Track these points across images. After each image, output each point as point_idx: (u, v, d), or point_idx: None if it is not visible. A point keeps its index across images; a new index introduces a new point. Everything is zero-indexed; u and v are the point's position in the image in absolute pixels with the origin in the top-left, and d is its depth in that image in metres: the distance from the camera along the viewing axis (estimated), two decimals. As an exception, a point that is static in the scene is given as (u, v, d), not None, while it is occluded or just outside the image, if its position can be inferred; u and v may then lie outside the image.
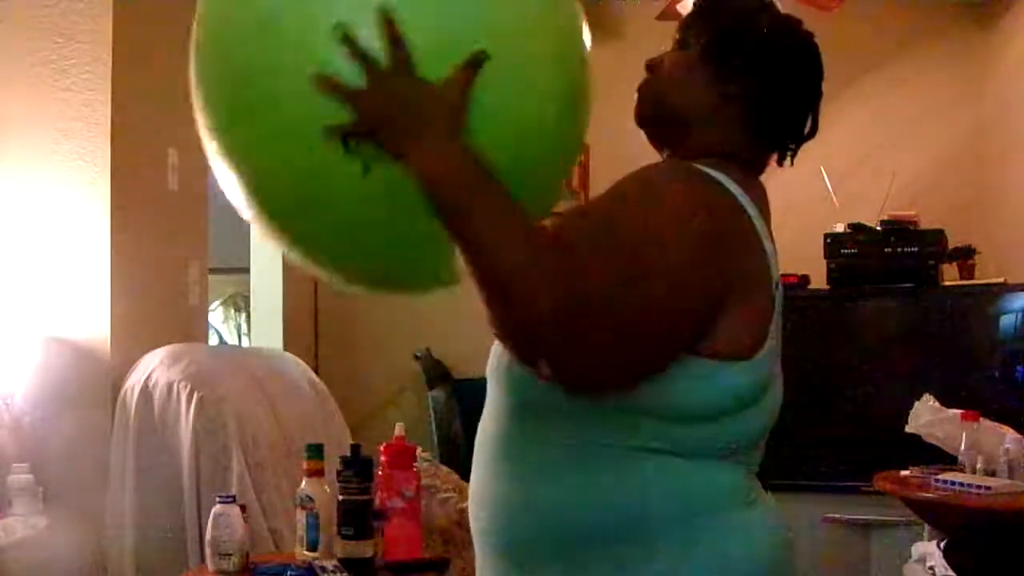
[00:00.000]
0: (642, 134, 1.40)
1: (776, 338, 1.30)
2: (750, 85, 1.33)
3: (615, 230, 1.17)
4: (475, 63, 1.11)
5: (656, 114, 1.38)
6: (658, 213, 1.18)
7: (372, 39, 1.09)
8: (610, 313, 1.11)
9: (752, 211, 1.26)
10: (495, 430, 1.31)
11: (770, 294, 1.27)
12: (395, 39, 1.10)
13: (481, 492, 1.31)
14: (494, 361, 1.32)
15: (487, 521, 1.30)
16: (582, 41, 1.28)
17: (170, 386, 2.65)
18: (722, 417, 1.24)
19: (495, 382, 1.32)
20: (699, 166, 1.27)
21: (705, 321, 1.19)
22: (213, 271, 3.48)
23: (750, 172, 1.35)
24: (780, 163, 1.40)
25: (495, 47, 1.12)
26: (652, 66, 1.39)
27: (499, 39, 1.13)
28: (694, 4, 1.41)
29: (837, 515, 4.03)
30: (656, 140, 1.40)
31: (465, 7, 1.15)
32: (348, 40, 1.10)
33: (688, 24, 1.39)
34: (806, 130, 1.39)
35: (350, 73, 1.10)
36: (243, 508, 2.20)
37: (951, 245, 4.30)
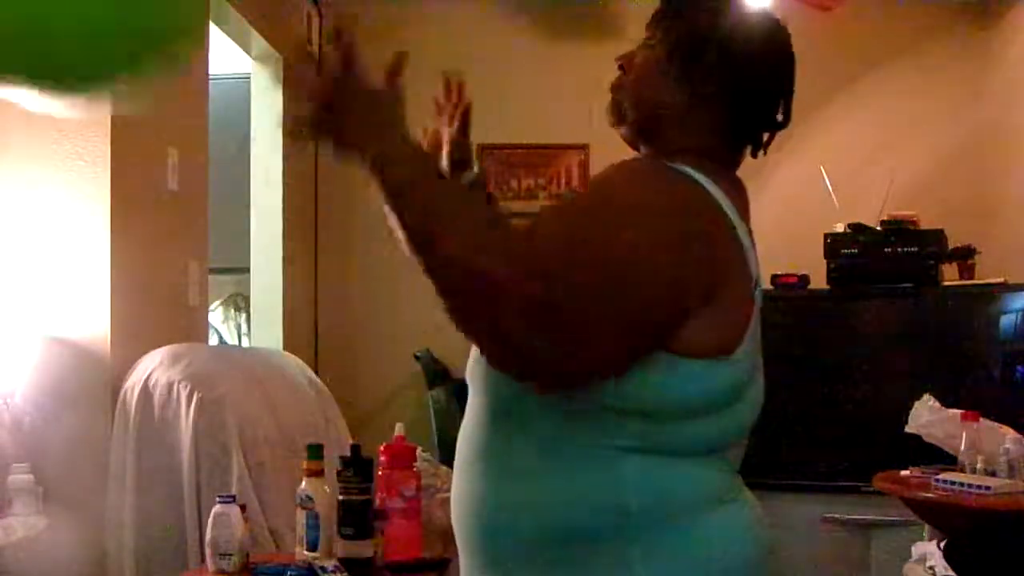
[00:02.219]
0: None
1: (756, 334, 1.29)
2: (721, 83, 1.33)
3: (587, 229, 1.17)
4: (398, 68, 1.24)
5: (630, 116, 1.38)
6: (631, 212, 1.18)
7: None
8: (578, 312, 1.11)
9: (727, 207, 1.26)
10: (474, 431, 1.31)
11: (748, 290, 1.27)
12: (351, 49, 1.21)
13: (461, 492, 1.31)
14: (472, 363, 1.32)
15: (467, 521, 1.30)
16: None
17: (170, 386, 2.65)
18: (701, 415, 1.23)
19: (473, 384, 1.33)
20: (674, 164, 1.27)
21: (678, 318, 1.19)
22: (213, 271, 3.48)
23: (725, 168, 1.35)
24: (755, 155, 1.40)
25: None
26: (623, 64, 1.40)
27: None
28: (661, 2, 1.41)
29: (837, 515, 4.02)
30: (630, 140, 1.40)
31: None
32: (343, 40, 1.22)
33: (655, 22, 1.39)
34: (779, 120, 1.38)
35: None
36: (243, 508, 2.20)
37: (951, 245, 4.30)
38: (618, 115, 1.40)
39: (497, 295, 1.09)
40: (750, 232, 1.30)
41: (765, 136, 1.39)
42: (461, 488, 1.31)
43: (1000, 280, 4.20)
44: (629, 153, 1.42)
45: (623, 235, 1.16)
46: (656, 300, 1.17)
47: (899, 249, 4.21)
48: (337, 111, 1.20)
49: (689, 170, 1.26)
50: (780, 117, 1.38)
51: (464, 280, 1.13)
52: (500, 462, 1.27)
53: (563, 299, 1.11)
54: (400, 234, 1.18)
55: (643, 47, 1.39)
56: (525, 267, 1.10)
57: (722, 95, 1.33)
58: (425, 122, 1.62)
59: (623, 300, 1.14)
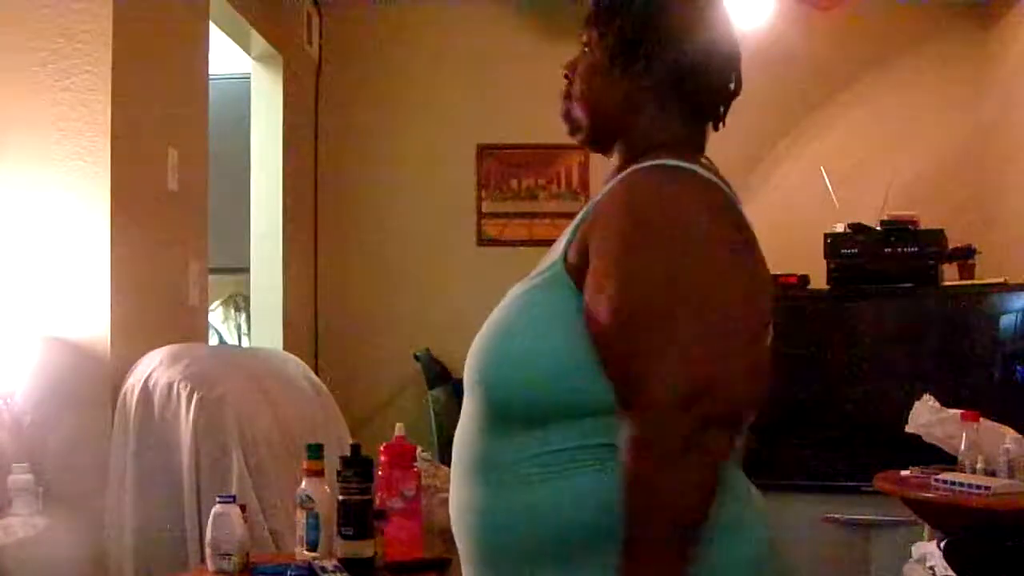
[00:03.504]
0: None
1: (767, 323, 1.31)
2: (666, 69, 1.33)
3: (669, 295, 1.18)
4: None
5: (584, 123, 1.38)
6: (687, 244, 1.20)
7: None
8: (716, 378, 1.15)
9: (733, 196, 1.28)
10: (471, 436, 1.30)
11: (770, 281, 1.31)
12: None
13: (460, 499, 1.31)
14: (469, 375, 1.32)
15: (467, 527, 1.29)
16: None
17: (170, 386, 2.64)
18: None
19: (469, 391, 1.33)
20: (663, 161, 1.27)
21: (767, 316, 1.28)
22: (213, 271, 3.48)
23: (700, 152, 1.35)
24: (716, 128, 1.40)
25: None
26: (568, 74, 1.40)
27: None
28: (591, 4, 1.40)
29: (837, 515, 4.02)
30: (590, 146, 1.41)
31: None
32: None
33: (587, 26, 1.39)
34: (732, 88, 1.38)
35: None
36: (243, 508, 2.20)
37: (951, 245, 4.29)
38: (572, 124, 1.40)
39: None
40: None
41: (722, 108, 1.39)
42: (460, 494, 1.31)
43: (1000, 280, 4.19)
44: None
45: (720, 273, 1.20)
46: (764, 307, 1.24)
47: (899, 249, 4.21)
48: None
49: (682, 163, 1.26)
50: (732, 85, 1.38)
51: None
52: (499, 467, 1.26)
53: (723, 378, 1.15)
54: None
55: (581, 52, 1.39)
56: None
57: (670, 80, 1.33)
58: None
59: (751, 329, 1.21)
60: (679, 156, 1.28)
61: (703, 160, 1.34)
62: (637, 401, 1.15)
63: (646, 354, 1.15)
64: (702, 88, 1.35)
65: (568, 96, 1.40)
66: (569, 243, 1.27)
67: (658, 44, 1.32)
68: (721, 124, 1.40)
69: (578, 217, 1.30)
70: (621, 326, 1.17)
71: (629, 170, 1.32)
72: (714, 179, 1.27)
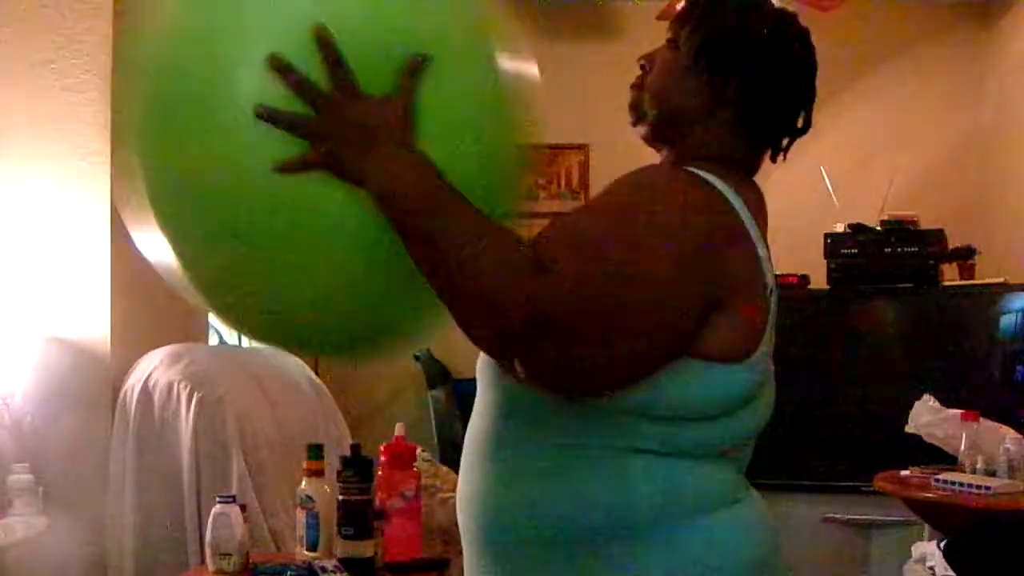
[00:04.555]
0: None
1: (770, 341, 1.29)
2: (744, 87, 1.32)
3: (599, 240, 1.16)
4: (415, 68, 1.08)
5: (650, 116, 1.37)
6: (646, 219, 1.18)
7: (307, 63, 1.04)
8: (587, 325, 1.10)
9: (745, 215, 1.26)
10: (483, 428, 1.30)
11: (765, 296, 1.27)
12: (335, 60, 1.06)
13: (468, 491, 1.31)
14: (482, 360, 1.32)
15: (474, 519, 1.29)
16: (509, 39, 1.23)
17: (170, 386, 2.65)
18: (717, 418, 1.24)
19: (483, 380, 1.32)
20: (693, 169, 1.27)
21: (696, 324, 1.19)
22: (213, 271, 3.48)
23: (745, 174, 1.35)
24: (774, 159, 1.39)
25: (429, 49, 1.08)
26: (645, 64, 1.39)
27: (429, 43, 1.10)
28: (686, 2, 1.40)
29: (837, 515, 4.03)
30: (650, 141, 1.40)
31: (391, 16, 1.11)
32: (285, 69, 1.05)
33: (680, 23, 1.38)
34: (800, 126, 1.38)
35: (287, 102, 1.06)
36: (243, 508, 2.20)
37: (951, 245, 4.30)
38: (638, 114, 1.39)
39: (507, 319, 1.08)
40: (765, 240, 1.30)
41: (784, 141, 1.39)
42: (469, 486, 1.31)
43: (1000, 280, 4.19)
44: (630, 154, 1.41)
45: (648, 247, 1.15)
46: (679, 310, 1.17)
47: (899, 249, 4.21)
48: (327, 139, 1.07)
49: (710, 177, 1.26)
50: (800, 123, 1.38)
51: (473, 306, 1.11)
52: (510, 461, 1.26)
53: (577, 319, 1.10)
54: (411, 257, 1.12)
55: (666, 47, 1.38)
56: (539, 298, 1.08)
57: (744, 100, 1.33)
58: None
59: (644, 314, 1.15)
60: (718, 171, 1.27)
61: (745, 179, 1.33)
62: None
63: (553, 260, 1.11)
64: (774, 115, 1.35)
65: (640, 86, 1.39)
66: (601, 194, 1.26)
67: (745, 58, 1.32)
68: (781, 158, 1.39)
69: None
70: (545, 240, 1.16)
71: (667, 161, 1.34)
72: (734, 202, 1.25)
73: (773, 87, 1.33)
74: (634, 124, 1.39)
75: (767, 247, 1.29)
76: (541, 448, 1.24)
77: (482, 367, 1.32)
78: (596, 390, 1.18)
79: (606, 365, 1.14)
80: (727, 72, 1.32)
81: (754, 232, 1.26)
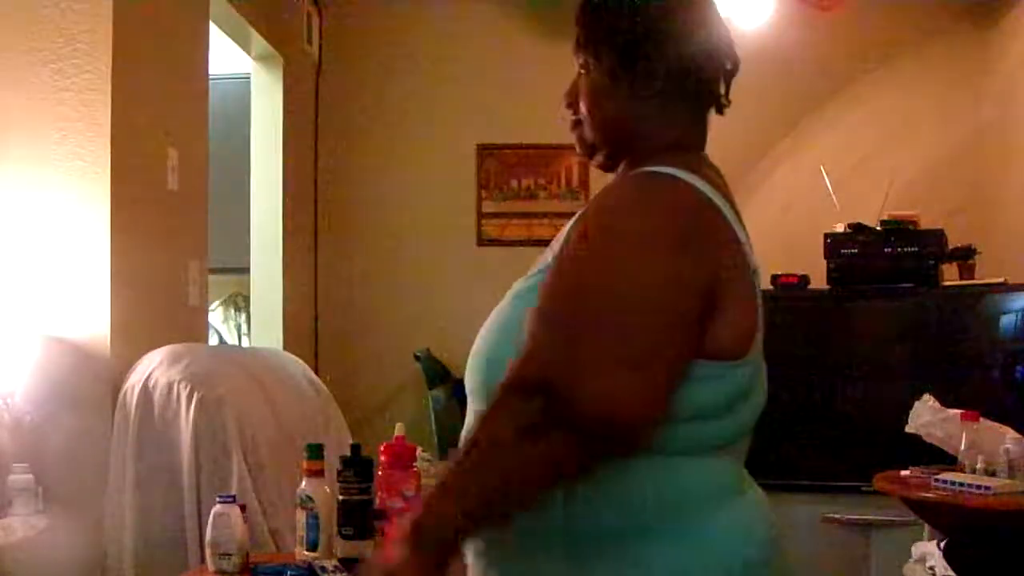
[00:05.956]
0: None
1: (761, 328, 1.30)
2: (664, 75, 1.33)
3: (584, 293, 1.18)
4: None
5: (600, 145, 1.38)
6: (620, 248, 1.19)
7: None
8: (611, 372, 1.13)
9: (718, 200, 1.26)
10: None
11: (751, 282, 1.28)
12: None
13: None
14: (472, 378, 1.33)
15: None
16: None
17: (170, 386, 2.64)
18: (715, 415, 1.24)
19: (473, 395, 1.33)
20: (655, 169, 1.27)
21: (699, 325, 1.20)
22: (213, 271, 3.48)
23: (699, 151, 1.35)
24: (720, 111, 1.39)
25: None
26: (571, 102, 1.40)
27: None
28: (578, 26, 1.39)
29: (837, 515, 4.03)
30: (607, 167, 1.41)
31: None
32: None
33: (579, 49, 1.38)
34: (729, 67, 1.38)
35: None
36: (243, 508, 2.20)
37: (951, 245, 4.29)
38: (587, 149, 1.40)
39: (575, 424, 1.12)
40: (741, 221, 1.30)
41: (723, 88, 1.39)
42: None
43: (1000, 280, 4.19)
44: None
45: (633, 276, 1.17)
46: (681, 318, 1.19)
47: (899, 249, 4.21)
48: None
49: (669, 169, 1.26)
50: (729, 65, 1.38)
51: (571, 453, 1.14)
52: None
53: (598, 374, 1.13)
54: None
55: (580, 77, 1.39)
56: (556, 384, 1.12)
57: (672, 82, 1.33)
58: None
59: (657, 338, 1.16)
60: (680, 159, 1.28)
61: (704, 158, 1.34)
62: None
63: (529, 338, 1.17)
64: (703, 80, 1.36)
65: (577, 124, 1.40)
66: (564, 243, 1.28)
67: (654, 51, 1.33)
68: (725, 103, 1.39)
69: (574, 217, 1.31)
70: (535, 312, 1.20)
71: (624, 173, 1.34)
72: (702, 188, 1.26)
73: (687, 58, 1.33)
74: (590, 158, 1.40)
75: (743, 227, 1.30)
76: None
77: (470, 382, 1.33)
78: (646, 415, 1.17)
79: (641, 391, 1.15)
80: (642, 70, 1.32)
81: (729, 215, 1.27)
